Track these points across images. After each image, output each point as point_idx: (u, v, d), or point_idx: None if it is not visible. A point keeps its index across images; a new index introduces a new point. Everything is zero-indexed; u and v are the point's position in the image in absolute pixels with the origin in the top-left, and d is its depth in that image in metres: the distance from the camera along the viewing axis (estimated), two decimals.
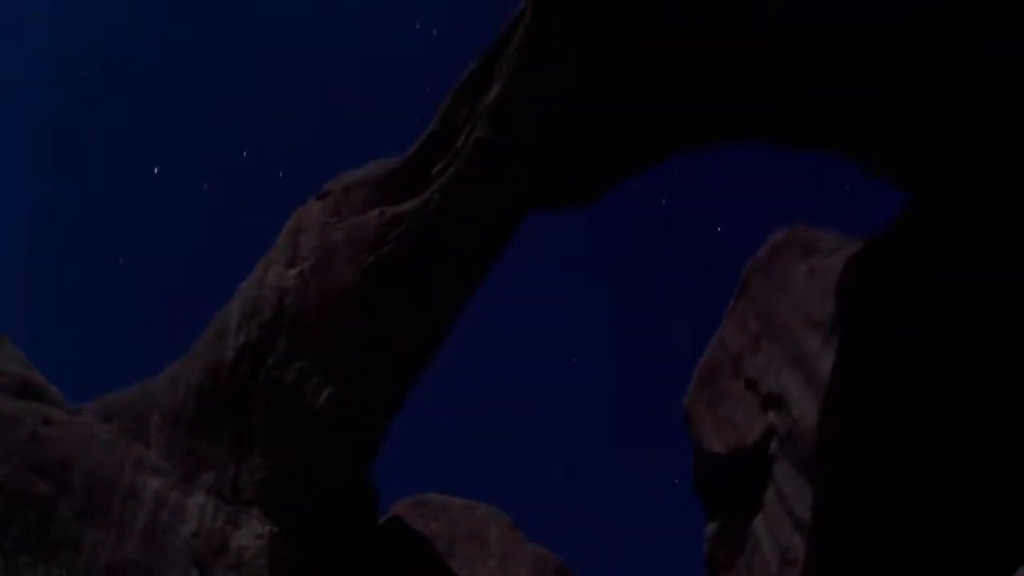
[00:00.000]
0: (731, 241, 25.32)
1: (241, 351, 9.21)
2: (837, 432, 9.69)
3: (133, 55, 27.83)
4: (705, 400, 12.26)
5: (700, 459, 12.27)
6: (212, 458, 9.48)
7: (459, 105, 9.07)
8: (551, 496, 26.05)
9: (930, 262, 9.11)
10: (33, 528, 9.48)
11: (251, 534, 9.30)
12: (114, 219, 28.42)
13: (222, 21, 28.27)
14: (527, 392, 29.43)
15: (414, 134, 9.90)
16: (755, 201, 25.18)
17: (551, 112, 8.83)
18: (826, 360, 10.16)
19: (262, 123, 28.77)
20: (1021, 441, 8.06)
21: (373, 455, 10.54)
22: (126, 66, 27.34)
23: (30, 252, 27.31)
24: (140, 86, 27.89)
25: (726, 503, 11.67)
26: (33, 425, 10.07)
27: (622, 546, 27.01)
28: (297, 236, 9.41)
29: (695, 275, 27.70)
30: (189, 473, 9.38)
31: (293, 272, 9.17)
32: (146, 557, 9.23)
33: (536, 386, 29.13)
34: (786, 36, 9.14)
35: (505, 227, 9.86)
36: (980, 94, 8.36)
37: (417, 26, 25.87)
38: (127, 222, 28.12)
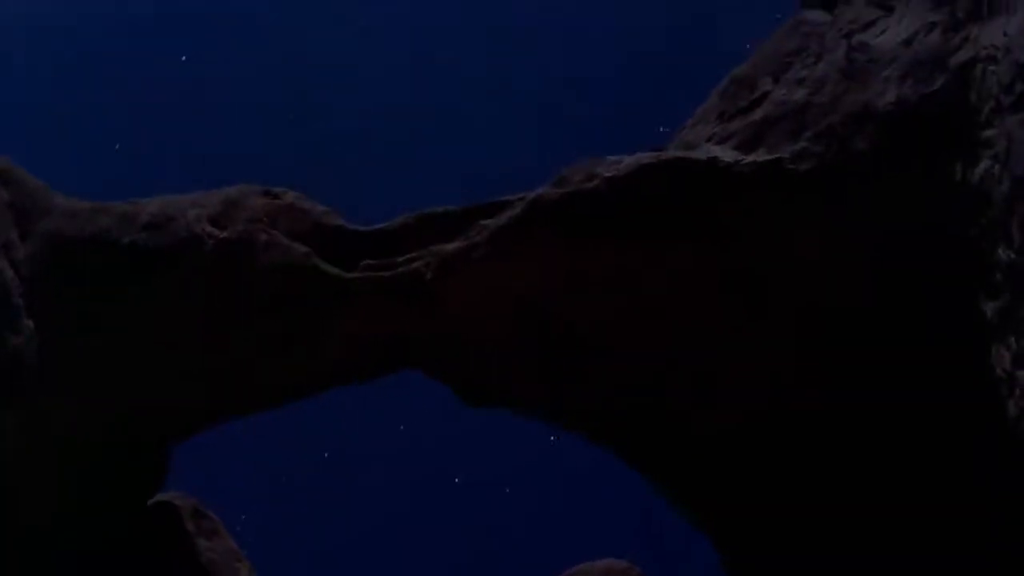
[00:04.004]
0: None
1: (137, 246, 9.45)
2: None
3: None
4: None
5: None
6: (55, 306, 9.48)
7: (422, 228, 9.71)
8: None
9: None
10: None
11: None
12: None
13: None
14: None
15: None
16: None
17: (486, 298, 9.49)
18: None
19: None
20: None
21: (172, 438, 10.84)
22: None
23: None
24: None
25: None
26: None
27: None
28: (231, 205, 9.65)
29: None
30: (39, 296, 9.46)
31: (212, 230, 9.43)
32: None
33: None
34: None
35: (378, 367, 10.47)
36: None
37: None
38: None
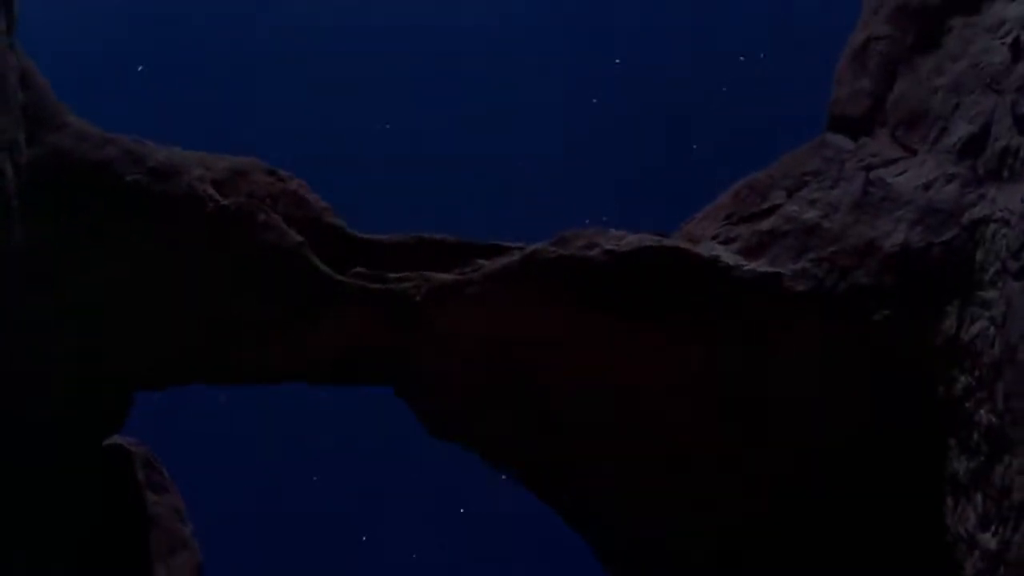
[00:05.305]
0: None
1: (139, 186, 9.23)
2: None
3: None
4: None
5: None
6: (52, 222, 9.05)
7: (418, 250, 9.73)
8: None
9: None
10: None
11: None
12: None
13: None
14: None
15: None
16: None
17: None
18: None
19: None
20: None
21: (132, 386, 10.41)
22: None
23: None
24: None
25: None
26: None
27: None
28: (237, 174, 9.61)
29: None
30: (36, 207, 8.82)
31: (214, 194, 9.28)
32: None
33: None
34: None
35: (354, 375, 10.35)
36: None
37: None
38: None
